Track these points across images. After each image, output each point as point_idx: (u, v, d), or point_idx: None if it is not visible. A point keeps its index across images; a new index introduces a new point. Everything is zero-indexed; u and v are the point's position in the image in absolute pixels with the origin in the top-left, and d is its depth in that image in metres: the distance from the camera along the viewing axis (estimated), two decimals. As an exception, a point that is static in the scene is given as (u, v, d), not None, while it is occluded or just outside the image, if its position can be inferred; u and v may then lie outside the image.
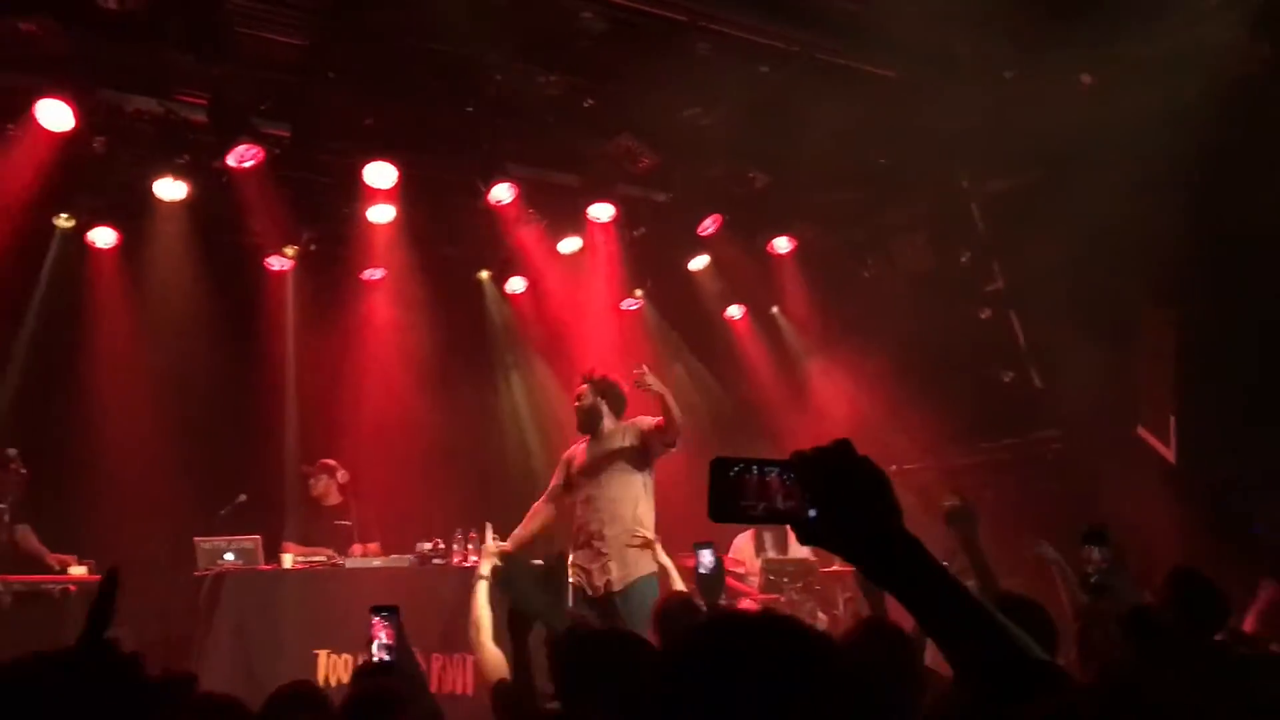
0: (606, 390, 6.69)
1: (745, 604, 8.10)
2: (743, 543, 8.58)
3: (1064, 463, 8.67)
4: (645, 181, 8.85)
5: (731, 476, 1.34)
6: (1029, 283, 8.61)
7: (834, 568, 8.28)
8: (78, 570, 6.87)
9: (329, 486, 8.15)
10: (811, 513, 1.30)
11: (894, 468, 9.55)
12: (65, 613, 6.84)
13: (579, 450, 6.74)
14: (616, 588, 6.29)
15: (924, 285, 9.37)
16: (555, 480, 6.79)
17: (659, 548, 6.32)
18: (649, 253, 9.83)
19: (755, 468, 1.33)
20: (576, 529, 6.56)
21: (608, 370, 6.85)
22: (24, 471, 6.73)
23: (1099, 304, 7.79)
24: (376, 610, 3.50)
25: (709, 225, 9.28)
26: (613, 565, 6.34)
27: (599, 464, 6.54)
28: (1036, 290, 8.41)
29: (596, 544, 6.41)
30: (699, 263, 9.92)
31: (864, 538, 1.30)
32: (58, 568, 6.86)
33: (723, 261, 9.89)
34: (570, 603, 5.63)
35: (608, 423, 6.64)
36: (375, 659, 3.43)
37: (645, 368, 6.32)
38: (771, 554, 8.39)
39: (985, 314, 9.10)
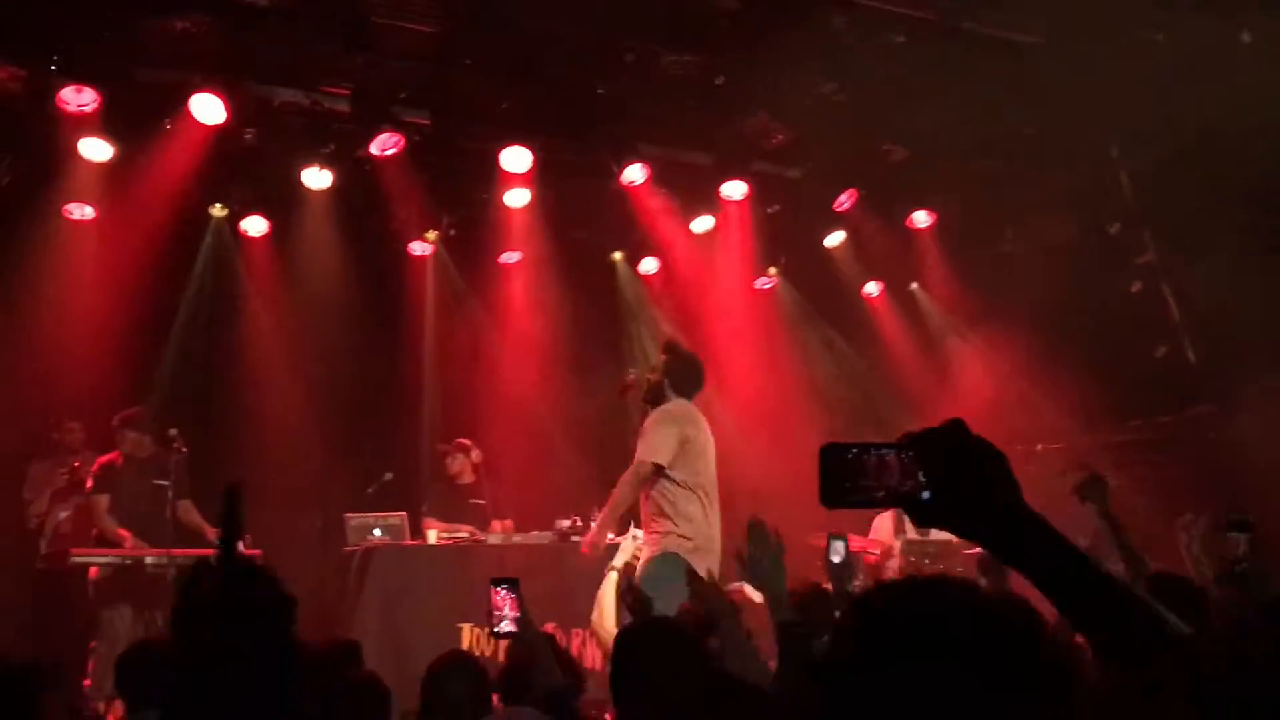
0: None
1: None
2: (882, 524, 8.45)
3: (1220, 441, 8.28)
4: (779, 158, 8.77)
5: (842, 460, 1.33)
6: (1183, 254, 8.24)
7: (977, 549, 8.11)
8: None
9: (464, 465, 8.34)
10: (925, 494, 1.29)
11: (1038, 447, 9.28)
12: (226, 585, 7.18)
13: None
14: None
15: (1067, 258, 9.05)
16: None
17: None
18: (783, 230, 9.74)
19: (867, 451, 1.32)
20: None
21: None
22: (184, 450, 7.05)
23: (1259, 275, 7.40)
24: (497, 582, 3.55)
25: (844, 200, 9.15)
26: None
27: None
28: (1191, 261, 8.04)
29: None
30: (835, 239, 9.79)
31: (985, 516, 1.29)
32: (218, 542, 7.17)
33: (859, 237, 9.75)
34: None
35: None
36: (501, 630, 3.49)
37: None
38: (912, 535, 8.25)
39: (1136, 287, 8.75)
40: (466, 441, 8.48)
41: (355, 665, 4.07)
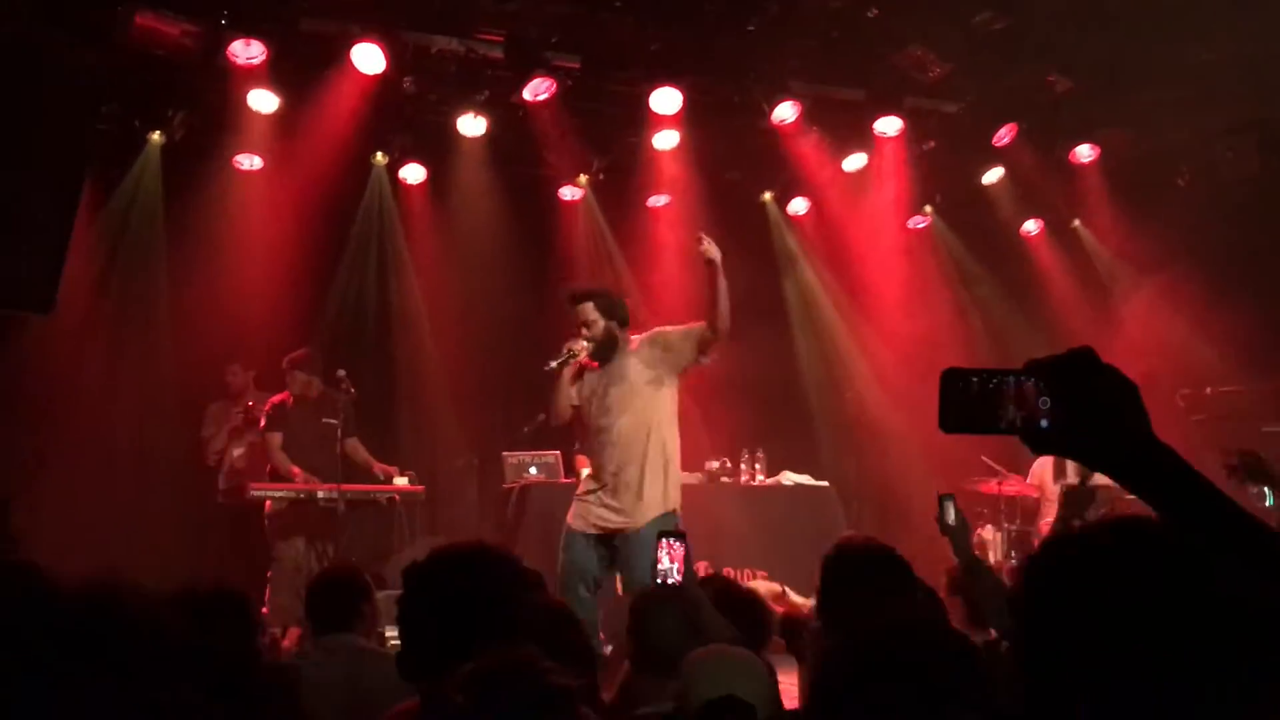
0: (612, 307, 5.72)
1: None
2: (1041, 468, 8.24)
3: None
4: (935, 92, 8.50)
5: (963, 386, 1.32)
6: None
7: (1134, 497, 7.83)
8: (401, 480, 7.48)
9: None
10: (1044, 422, 1.27)
11: (1208, 390, 8.89)
12: (391, 517, 7.51)
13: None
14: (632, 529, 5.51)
15: (1248, 193, 8.55)
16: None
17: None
18: (939, 167, 9.48)
19: (991, 377, 1.31)
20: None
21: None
22: (352, 391, 7.34)
23: None
24: (665, 534, 3.59)
25: (1004, 135, 8.83)
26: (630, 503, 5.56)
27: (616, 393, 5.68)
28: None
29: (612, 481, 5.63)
30: (993, 175, 9.48)
31: (1113, 445, 1.26)
32: (383, 477, 7.49)
33: (1019, 173, 9.41)
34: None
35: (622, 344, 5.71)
36: (668, 583, 3.49)
37: (705, 236, 5.48)
38: (1071, 479, 8.02)
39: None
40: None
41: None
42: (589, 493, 5.69)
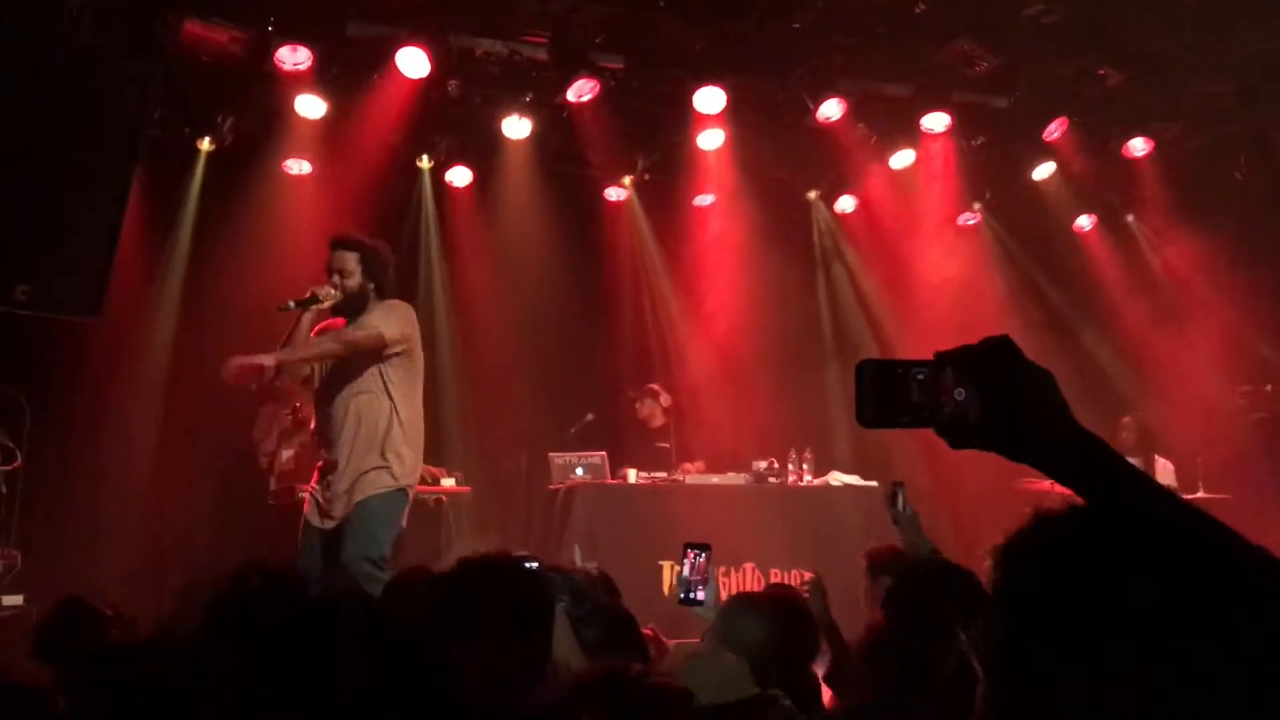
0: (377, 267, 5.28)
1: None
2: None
3: None
4: (983, 87, 8.38)
5: (880, 378, 1.27)
6: None
7: (1198, 494, 7.68)
8: (448, 482, 7.51)
9: (653, 409, 8.48)
10: (962, 414, 1.23)
11: (1269, 388, 8.69)
12: (439, 519, 7.53)
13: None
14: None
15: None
16: None
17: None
18: (988, 163, 9.34)
19: (908, 369, 1.27)
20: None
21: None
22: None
23: None
24: (690, 546, 3.49)
25: (1055, 130, 8.68)
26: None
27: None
28: None
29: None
30: (1044, 171, 9.32)
31: (1038, 434, 1.22)
32: (430, 479, 7.52)
33: (1070, 168, 9.25)
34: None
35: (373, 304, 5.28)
36: (692, 597, 3.41)
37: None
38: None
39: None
40: (656, 387, 8.61)
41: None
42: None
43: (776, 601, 3.11)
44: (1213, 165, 9.11)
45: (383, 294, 5.26)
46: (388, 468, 5.14)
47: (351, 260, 5.17)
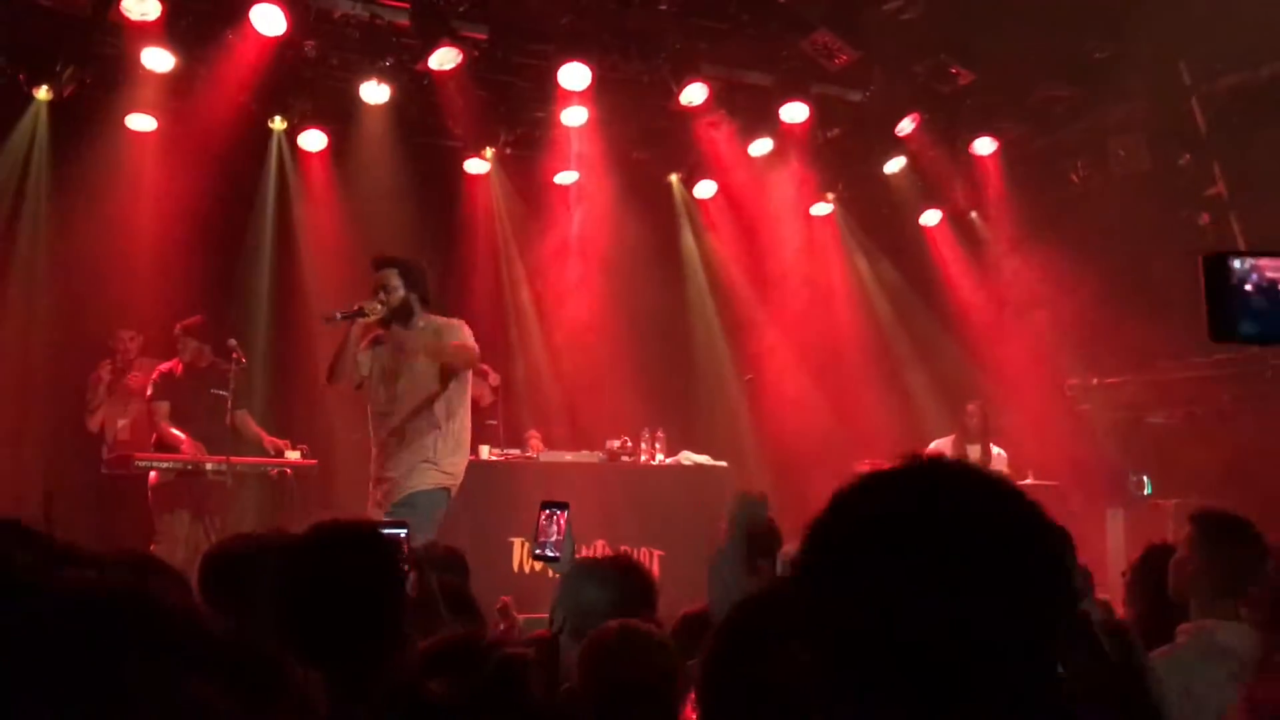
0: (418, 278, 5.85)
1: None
2: (943, 447, 8.39)
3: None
4: (841, 80, 8.58)
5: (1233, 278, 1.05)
6: (1253, 186, 7.99)
7: (1028, 481, 8.06)
8: (292, 454, 7.32)
9: (481, 389, 8.43)
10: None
11: (1095, 381, 9.17)
12: (281, 493, 7.35)
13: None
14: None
15: (1138, 189, 8.82)
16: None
17: None
18: (842, 155, 9.58)
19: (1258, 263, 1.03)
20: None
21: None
22: (243, 361, 7.16)
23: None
24: (547, 504, 3.50)
25: (907, 125, 8.95)
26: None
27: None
28: (1262, 194, 7.80)
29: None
30: (895, 165, 9.60)
31: None
32: (274, 451, 7.33)
33: (920, 164, 9.56)
34: None
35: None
36: (544, 554, 3.44)
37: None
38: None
39: (1204, 219, 8.52)
40: (484, 366, 8.56)
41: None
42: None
43: (616, 564, 3.19)
44: (1053, 167, 9.55)
45: (426, 303, 5.85)
46: (437, 467, 5.71)
47: (394, 276, 5.73)
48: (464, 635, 1.79)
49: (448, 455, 5.74)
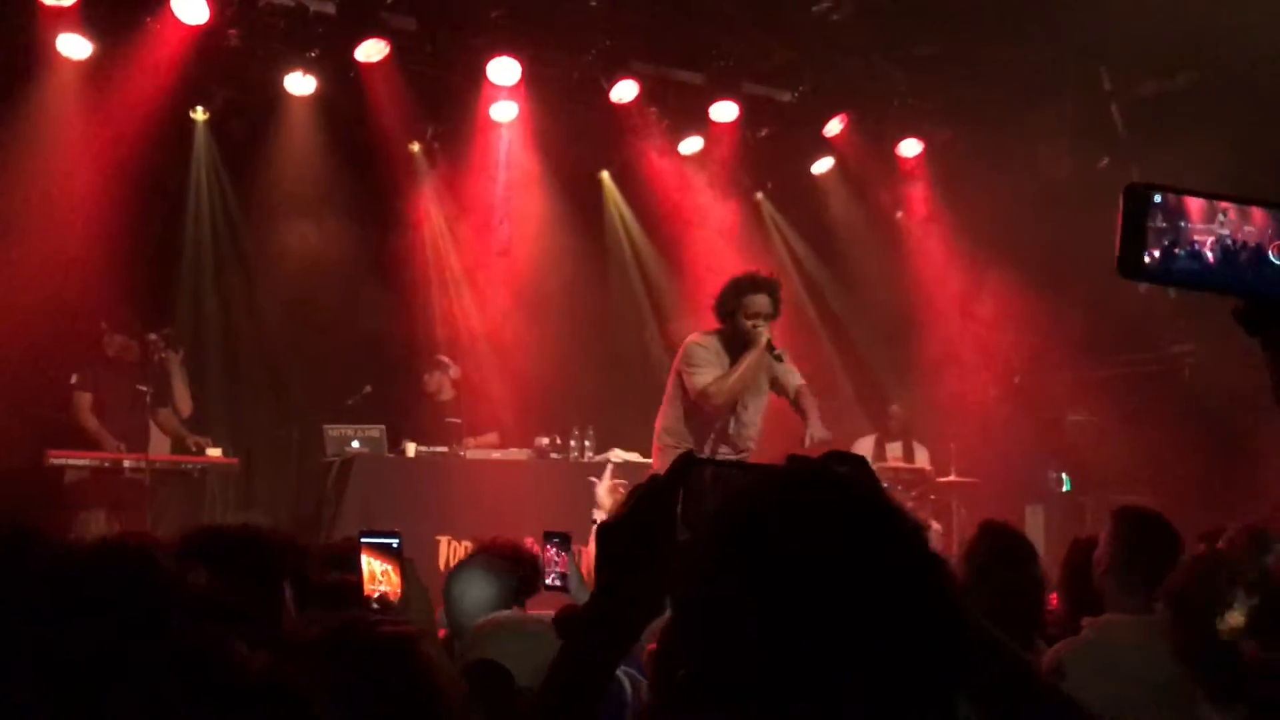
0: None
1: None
2: (864, 446, 8.49)
3: (1199, 379, 8.35)
4: (771, 80, 8.64)
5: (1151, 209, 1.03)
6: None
7: (950, 478, 8.19)
8: (214, 452, 7.18)
9: (441, 382, 8.32)
10: None
11: (1015, 380, 9.35)
12: (201, 490, 7.20)
13: None
14: None
15: (1060, 192, 9.00)
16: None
17: None
18: (771, 154, 9.64)
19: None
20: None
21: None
22: (165, 356, 7.00)
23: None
24: (549, 537, 3.64)
25: (835, 126, 9.03)
26: None
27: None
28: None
29: None
30: (822, 165, 9.69)
31: None
32: (195, 448, 7.18)
33: (847, 164, 9.65)
34: None
35: None
36: (551, 584, 3.58)
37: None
38: (893, 463, 8.30)
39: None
40: (444, 358, 8.45)
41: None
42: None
43: (497, 554, 3.47)
44: (978, 171, 9.69)
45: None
46: None
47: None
48: (347, 616, 1.79)
49: None
